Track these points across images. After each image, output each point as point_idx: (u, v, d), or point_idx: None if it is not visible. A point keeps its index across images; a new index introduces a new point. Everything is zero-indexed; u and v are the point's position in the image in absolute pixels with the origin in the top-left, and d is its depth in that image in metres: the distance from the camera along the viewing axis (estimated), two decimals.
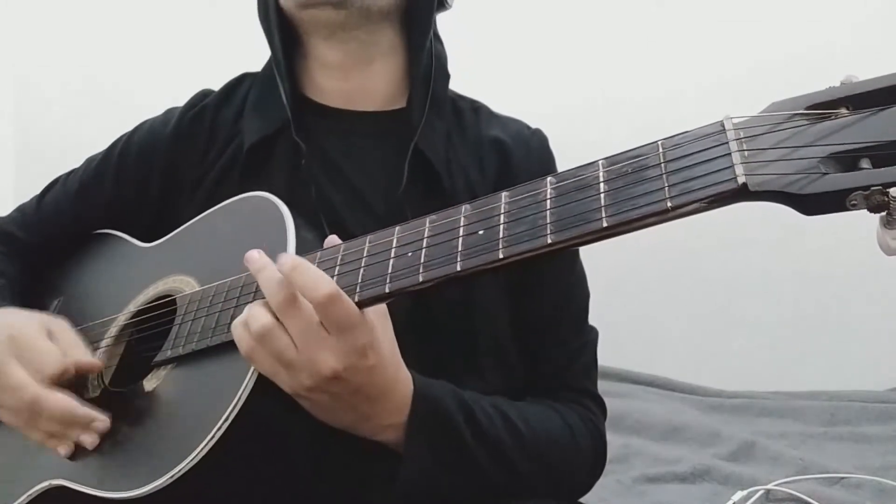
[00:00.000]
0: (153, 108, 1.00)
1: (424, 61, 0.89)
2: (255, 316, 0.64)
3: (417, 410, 0.69)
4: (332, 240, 0.71)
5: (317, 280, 0.62)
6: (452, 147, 0.89)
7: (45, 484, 0.78)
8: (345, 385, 0.64)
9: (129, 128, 0.98)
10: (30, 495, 0.79)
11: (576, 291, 0.91)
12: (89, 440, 0.75)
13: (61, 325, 0.83)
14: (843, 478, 1.69)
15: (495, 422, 0.75)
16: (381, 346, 0.65)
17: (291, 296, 0.62)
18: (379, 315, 0.66)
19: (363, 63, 0.89)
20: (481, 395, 0.77)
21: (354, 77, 0.90)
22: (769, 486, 1.62)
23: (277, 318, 0.63)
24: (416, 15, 0.89)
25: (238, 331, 0.65)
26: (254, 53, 0.95)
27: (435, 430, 0.70)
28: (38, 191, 1.02)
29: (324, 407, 0.67)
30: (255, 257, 0.66)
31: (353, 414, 0.68)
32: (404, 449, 0.69)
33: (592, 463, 0.86)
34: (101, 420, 0.76)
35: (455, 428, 0.72)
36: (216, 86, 0.98)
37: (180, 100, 0.97)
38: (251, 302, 0.68)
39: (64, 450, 0.76)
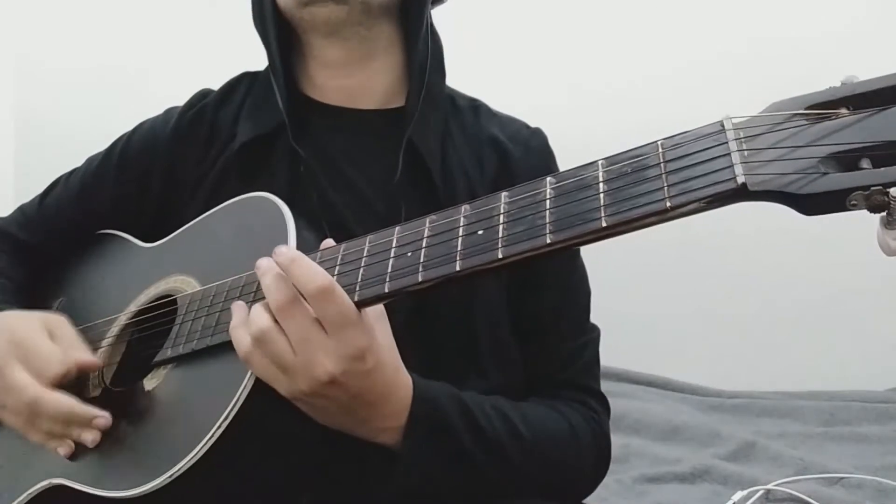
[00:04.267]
0: (154, 106, 1.00)
1: (420, 54, 0.89)
2: (254, 318, 0.64)
3: (415, 413, 0.69)
4: (328, 243, 0.70)
5: (313, 272, 0.61)
6: (451, 144, 0.89)
7: (44, 483, 0.78)
8: (342, 390, 0.64)
9: (130, 126, 0.98)
10: (30, 494, 0.79)
11: (577, 290, 0.91)
12: (90, 437, 0.75)
13: (61, 324, 0.83)
14: (843, 478, 1.69)
15: (495, 423, 0.75)
16: (380, 350, 0.65)
17: (291, 295, 0.62)
18: (377, 317, 0.66)
19: (364, 60, 0.89)
20: (481, 396, 0.77)
21: (355, 74, 0.90)
22: (769, 486, 1.62)
23: (276, 322, 0.63)
24: (412, 5, 0.89)
25: (237, 332, 0.65)
26: (254, 53, 0.95)
27: (433, 433, 0.70)
28: (38, 189, 1.02)
29: (322, 411, 0.67)
30: (264, 263, 0.66)
31: (351, 417, 0.68)
32: (402, 451, 0.69)
33: (595, 462, 0.85)
34: (102, 416, 0.76)
35: (453, 430, 0.71)
36: (216, 84, 0.98)
37: (181, 97, 0.97)
38: (251, 302, 0.68)
39: (64, 450, 0.77)
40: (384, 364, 0.66)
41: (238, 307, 0.67)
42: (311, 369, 0.62)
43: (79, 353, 0.80)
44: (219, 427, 0.66)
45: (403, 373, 0.69)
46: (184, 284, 0.82)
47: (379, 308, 0.66)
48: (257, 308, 0.64)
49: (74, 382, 0.80)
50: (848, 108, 0.50)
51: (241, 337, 0.65)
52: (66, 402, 0.76)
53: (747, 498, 1.59)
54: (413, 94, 0.88)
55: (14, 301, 0.91)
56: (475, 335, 0.83)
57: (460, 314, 0.83)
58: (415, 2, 0.89)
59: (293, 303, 0.62)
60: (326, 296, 0.61)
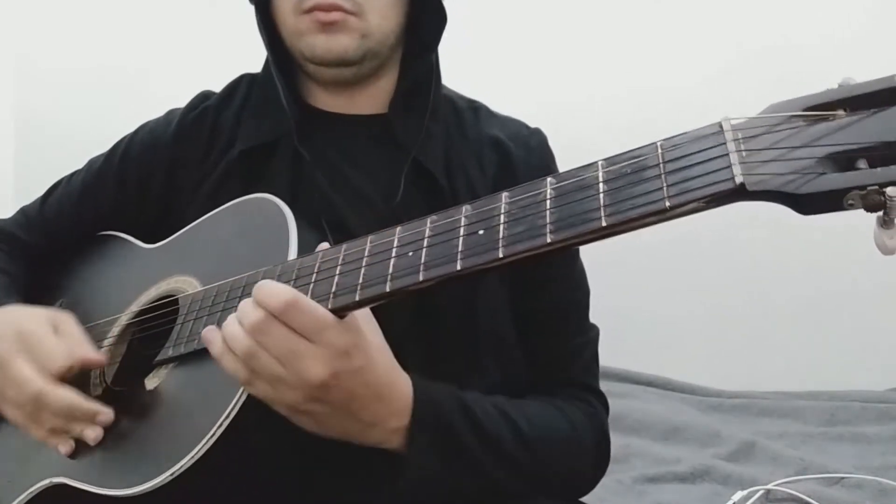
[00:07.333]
0: (154, 106, 1.00)
1: (423, 73, 0.90)
2: (233, 340, 0.63)
3: (418, 413, 0.69)
4: (323, 246, 0.70)
5: (273, 290, 0.62)
6: (452, 146, 0.89)
7: (45, 482, 0.78)
8: (336, 391, 0.64)
9: (131, 126, 0.99)
10: (30, 493, 0.79)
11: (577, 289, 0.92)
12: (93, 434, 0.75)
13: (67, 321, 0.83)
14: (843, 478, 1.69)
15: (497, 421, 0.75)
16: (368, 348, 0.65)
17: (261, 315, 0.62)
18: (364, 318, 0.66)
19: (367, 82, 0.90)
20: (482, 395, 0.77)
21: (357, 93, 0.91)
22: (769, 486, 1.62)
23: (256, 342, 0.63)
24: (422, 33, 0.90)
25: (226, 360, 0.65)
26: (254, 53, 0.95)
27: (437, 434, 0.70)
28: (38, 190, 1.02)
29: (325, 420, 0.66)
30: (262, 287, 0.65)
31: (356, 422, 0.67)
32: (406, 452, 0.69)
33: (596, 459, 0.86)
34: (105, 413, 0.76)
35: (456, 430, 0.72)
36: (216, 85, 0.98)
37: (181, 98, 0.98)
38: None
39: (65, 448, 0.77)
40: (375, 361, 0.66)
41: (212, 337, 0.66)
42: (301, 376, 0.62)
43: (83, 349, 0.80)
44: (220, 426, 0.66)
45: (401, 373, 0.69)
46: (185, 285, 0.83)
47: (365, 311, 0.66)
48: (235, 331, 0.64)
49: (77, 380, 0.80)
50: (845, 110, 0.50)
51: (232, 365, 0.64)
52: (70, 396, 0.76)
53: (747, 498, 1.59)
54: (404, 103, 0.89)
55: (17, 297, 0.91)
56: (477, 335, 0.84)
57: (462, 314, 0.83)
58: (428, 31, 0.89)
59: (266, 321, 0.62)
60: (293, 309, 0.61)
